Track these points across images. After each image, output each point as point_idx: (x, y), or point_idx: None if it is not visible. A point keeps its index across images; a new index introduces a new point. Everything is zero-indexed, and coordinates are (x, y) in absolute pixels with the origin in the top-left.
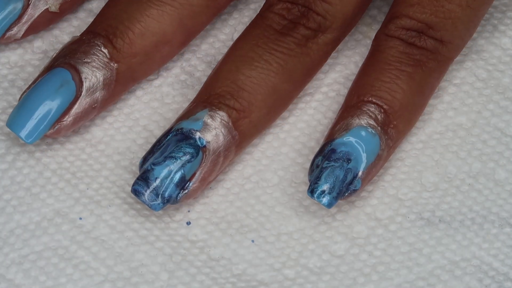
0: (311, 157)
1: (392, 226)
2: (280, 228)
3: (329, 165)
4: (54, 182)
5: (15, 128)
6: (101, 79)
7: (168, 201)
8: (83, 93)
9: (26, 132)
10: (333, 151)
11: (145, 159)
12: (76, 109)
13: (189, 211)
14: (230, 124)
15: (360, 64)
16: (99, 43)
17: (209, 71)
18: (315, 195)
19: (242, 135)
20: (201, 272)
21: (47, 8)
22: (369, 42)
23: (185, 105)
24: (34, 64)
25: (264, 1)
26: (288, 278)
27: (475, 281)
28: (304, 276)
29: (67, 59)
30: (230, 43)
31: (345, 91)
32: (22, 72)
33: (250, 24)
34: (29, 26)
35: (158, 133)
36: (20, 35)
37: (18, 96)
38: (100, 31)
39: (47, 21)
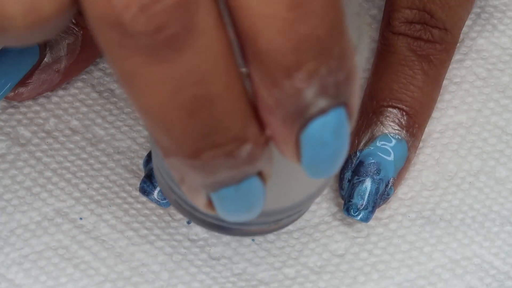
0: None
1: (392, 225)
2: None
3: (359, 180)
4: (55, 182)
5: None
6: (65, 43)
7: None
8: (46, 57)
9: None
10: (361, 164)
11: (149, 156)
12: (42, 73)
13: None
14: None
15: (359, 64)
16: None
17: None
18: (351, 213)
19: None
20: (202, 272)
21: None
22: (369, 41)
23: None
24: None
25: None
26: (289, 277)
27: (476, 279)
28: (304, 275)
29: None
30: None
31: None
32: None
33: None
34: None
35: None
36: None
37: None
38: None
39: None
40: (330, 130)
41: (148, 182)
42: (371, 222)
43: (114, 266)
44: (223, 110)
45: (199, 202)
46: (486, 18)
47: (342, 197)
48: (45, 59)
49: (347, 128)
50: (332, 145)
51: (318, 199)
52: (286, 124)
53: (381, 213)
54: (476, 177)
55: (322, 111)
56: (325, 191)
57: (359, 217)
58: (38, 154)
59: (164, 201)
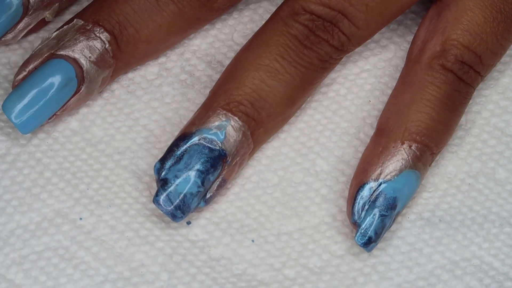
0: (311, 156)
1: (392, 226)
2: (280, 228)
3: (379, 214)
4: (55, 183)
5: (10, 114)
6: (101, 77)
7: (188, 212)
8: (82, 90)
9: (24, 126)
10: (383, 196)
11: (163, 163)
12: (72, 102)
13: None
14: (248, 134)
15: (359, 64)
16: (105, 40)
17: (209, 71)
18: (361, 243)
19: (256, 144)
20: (201, 272)
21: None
22: (368, 41)
23: (185, 104)
24: None
25: (282, 3)
26: (288, 278)
27: (475, 281)
28: (304, 276)
29: (72, 51)
30: (230, 43)
31: (344, 91)
32: None
33: (269, 28)
34: (25, 33)
35: (158, 132)
36: (16, 41)
37: None
38: (107, 26)
39: (41, 25)
40: None
41: (163, 194)
42: None
43: (114, 266)
44: None
45: None
46: None
47: (354, 222)
48: (81, 91)
49: None
50: None
51: (318, 200)
52: None
53: None
54: (475, 179)
55: None
56: (325, 192)
57: (367, 249)
58: (38, 154)
59: (177, 216)
